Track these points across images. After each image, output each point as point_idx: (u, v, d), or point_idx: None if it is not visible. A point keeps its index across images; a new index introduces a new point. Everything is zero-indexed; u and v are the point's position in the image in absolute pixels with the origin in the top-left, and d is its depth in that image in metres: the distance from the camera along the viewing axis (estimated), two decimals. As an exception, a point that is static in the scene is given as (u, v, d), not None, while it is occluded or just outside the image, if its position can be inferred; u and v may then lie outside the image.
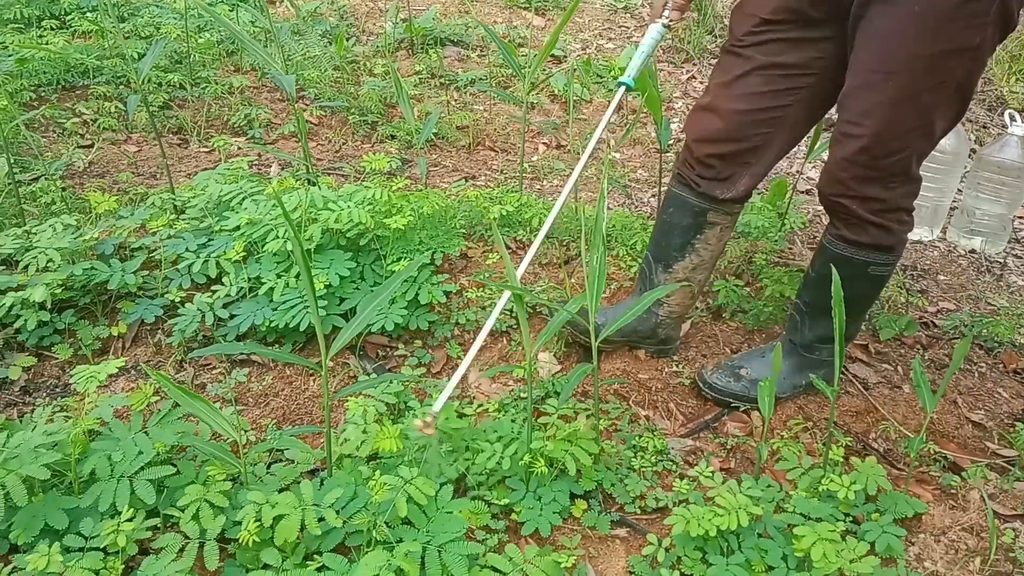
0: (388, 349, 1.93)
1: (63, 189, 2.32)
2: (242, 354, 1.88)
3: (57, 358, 1.83)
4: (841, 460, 1.60)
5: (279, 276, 1.87)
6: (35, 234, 1.93)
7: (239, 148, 2.78)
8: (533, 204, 2.29)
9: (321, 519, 1.27)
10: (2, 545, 1.37)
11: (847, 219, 1.64)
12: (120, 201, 2.12)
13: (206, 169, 2.61)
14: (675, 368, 1.93)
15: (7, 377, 1.76)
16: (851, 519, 1.50)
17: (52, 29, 3.34)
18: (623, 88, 1.72)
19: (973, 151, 3.23)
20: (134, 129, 2.90)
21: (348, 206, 1.90)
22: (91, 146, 2.72)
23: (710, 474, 1.53)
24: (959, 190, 2.96)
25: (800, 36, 1.57)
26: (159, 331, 1.91)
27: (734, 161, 1.69)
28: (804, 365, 1.82)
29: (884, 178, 1.56)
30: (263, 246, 1.90)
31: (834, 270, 1.49)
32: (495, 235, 1.39)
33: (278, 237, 1.87)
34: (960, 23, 1.40)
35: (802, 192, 2.96)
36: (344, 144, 3.00)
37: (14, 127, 2.30)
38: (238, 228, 1.97)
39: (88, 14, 3.39)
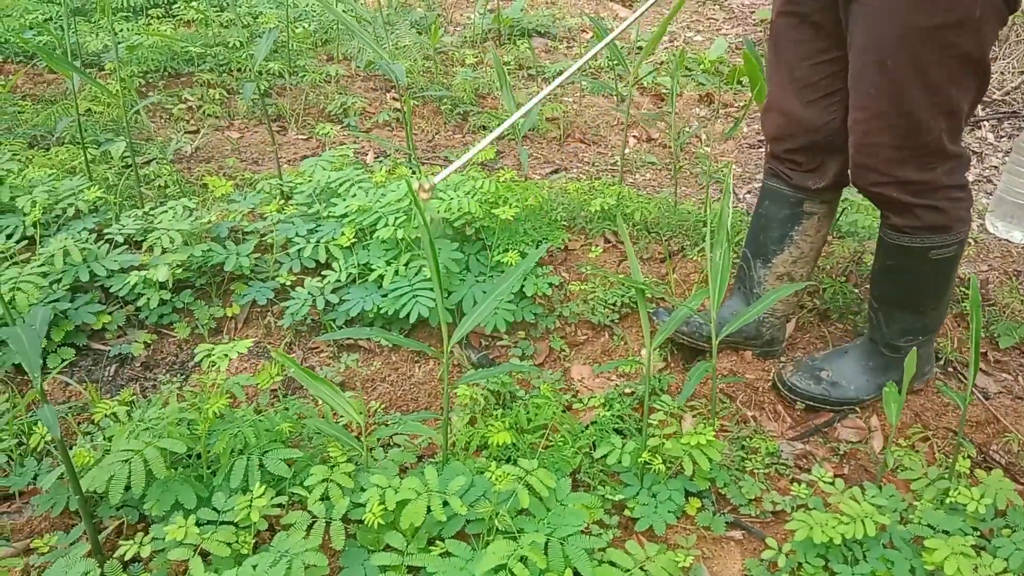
0: (491, 339, 1.94)
1: (175, 172, 2.40)
2: (349, 339, 1.91)
3: (175, 336, 1.89)
4: (967, 472, 1.54)
5: (388, 263, 1.90)
6: (155, 216, 2.00)
7: (335, 136, 2.83)
8: (633, 197, 2.26)
9: (445, 504, 1.28)
10: (132, 515, 1.43)
11: (892, 206, 1.59)
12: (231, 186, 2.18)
13: (305, 156, 2.67)
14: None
15: (130, 353, 1.83)
16: (979, 534, 1.44)
17: (158, 18, 3.46)
18: None
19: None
20: (236, 116, 2.97)
21: (457, 195, 1.91)
22: (197, 132, 2.80)
23: (830, 480, 1.49)
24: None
25: (822, 17, 1.54)
26: (269, 313, 1.96)
27: (815, 151, 1.68)
28: (889, 365, 1.76)
29: (916, 159, 1.51)
30: (372, 233, 1.92)
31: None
32: (620, 226, 1.38)
33: (388, 224, 1.89)
34: None
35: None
36: (437, 133, 3.02)
37: (134, 112, 2.38)
38: (345, 215, 2.00)
39: (193, 2, 3.49)
